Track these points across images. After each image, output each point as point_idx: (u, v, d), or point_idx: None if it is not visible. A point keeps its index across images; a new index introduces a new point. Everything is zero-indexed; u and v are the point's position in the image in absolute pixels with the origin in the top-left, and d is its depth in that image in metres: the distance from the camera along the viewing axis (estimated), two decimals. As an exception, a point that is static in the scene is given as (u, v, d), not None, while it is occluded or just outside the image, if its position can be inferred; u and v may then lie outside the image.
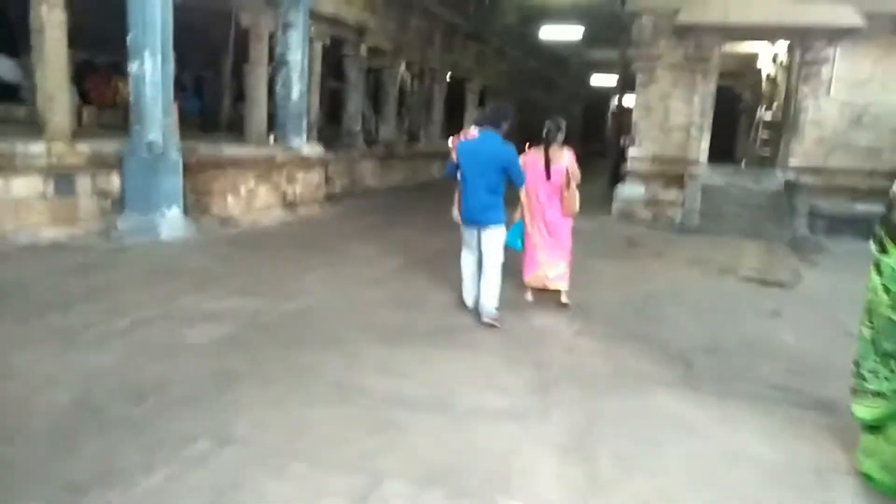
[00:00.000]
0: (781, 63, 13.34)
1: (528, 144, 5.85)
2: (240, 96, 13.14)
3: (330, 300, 5.61)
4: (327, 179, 11.55)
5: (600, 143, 32.48)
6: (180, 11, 7.72)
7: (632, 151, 12.75)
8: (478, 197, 5.10)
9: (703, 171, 12.21)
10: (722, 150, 13.66)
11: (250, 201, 9.37)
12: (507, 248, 5.35)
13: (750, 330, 5.52)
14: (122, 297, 5.20)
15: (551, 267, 5.81)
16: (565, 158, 5.65)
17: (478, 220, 5.18)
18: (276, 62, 10.45)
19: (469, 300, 5.47)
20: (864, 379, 3.06)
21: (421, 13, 16.38)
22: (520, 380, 4.03)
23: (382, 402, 3.56)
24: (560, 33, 21.67)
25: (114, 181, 7.59)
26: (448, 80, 19.12)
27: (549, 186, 5.66)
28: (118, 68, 9.24)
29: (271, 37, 10.86)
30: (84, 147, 7.34)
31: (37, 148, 6.86)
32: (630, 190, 12.61)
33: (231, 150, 9.21)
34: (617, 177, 14.35)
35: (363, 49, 14.16)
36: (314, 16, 11.15)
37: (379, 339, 4.63)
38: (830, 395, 3.97)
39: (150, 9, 7.33)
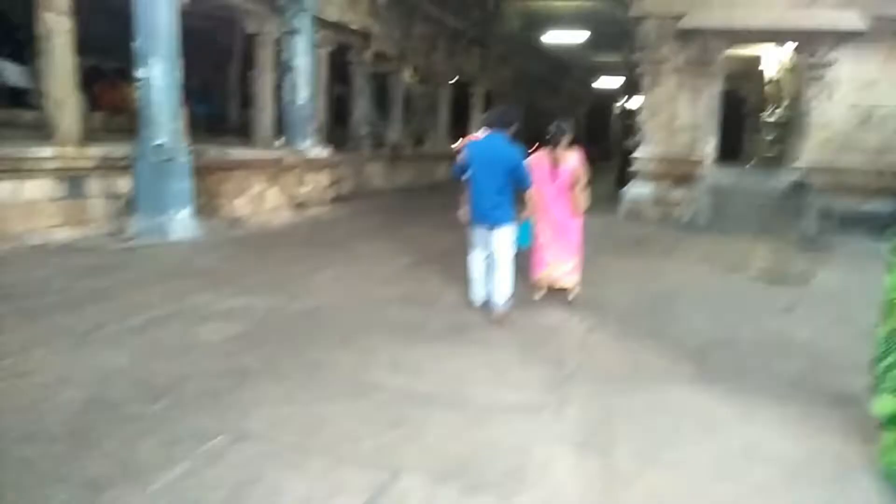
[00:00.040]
0: (787, 65, 13.30)
1: (535, 146, 5.87)
2: (246, 101, 13.19)
3: (341, 298, 5.60)
4: (335, 181, 11.56)
5: (605, 144, 32.49)
6: (187, 18, 7.76)
7: (638, 152, 12.74)
8: (487, 197, 5.13)
9: (711, 170, 12.19)
10: (728, 152, 13.61)
11: (259, 203, 9.39)
12: (516, 247, 5.36)
13: (763, 326, 5.49)
14: (135, 296, 5.21)
15: (560, 265, 5.83)
16: (571, 160, 5.67)
17: (488, 220, 5.20)
18: (282, 68, 10.49)
19: (479, 299, 5.48)
20: (882, 375, 3.03)
21: (425, 19, 16.41)
22: (534, 376, 4.01)
23: (397, 398, 3.56)
24: (564, 38, 21.66)
25: (124, 184, 7.63)
26: (453, 84, 19.15)
27: (556, 187, 5.68)
28: (126, 74, 9.27)
29: (277, 43, 10.90)
30: (94, 151, 7.38)
31: (47, 152, 6.90)
32: (637, 190, 12.58)
33: (239, 153, 9.25)
34: (623, 177, 14.34)
35: (368, 54, 14.19)
36: (319, 22, 11.18)
37: (391, 336, 4.63)
38: (847, 390, 3.94)
39: (157, 15, 7.37)
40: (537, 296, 5.91)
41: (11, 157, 6.58)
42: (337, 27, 12.60)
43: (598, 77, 32.02)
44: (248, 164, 9.20)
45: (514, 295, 5.38)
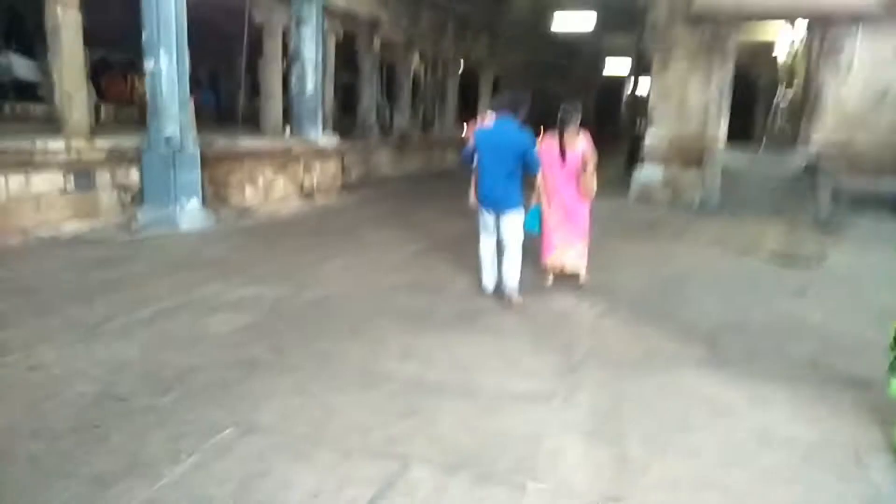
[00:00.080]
0: (799, 46, 13.10)
1: (543, 130, 5.81)
2: (255, 90, 13.16)
3: (350, 287, 5.59)
4: (343, 169, 11.54)
5: (614, 127, 32.23)
6: (194, 8, 7.72)
7: (649, 135, 12.61)
8: (496, 182, 5.12)
9: (723, 151, 12.05)
10: (740, 133, 13.47)
11: (268, 192, 9.39)
12: (525, 233, 5.35)
13: (776, 308, 5.44)
14: (144, 288, 5.21)
15: (569, 249, 5.81)
16: (581, 143, 5.61)
17: (497, 205, 5.20)
18: (291, 57, 10.45)
19: (489, 285, 5.46)
20: (901, 355, 2.99)
21: (432, 5, 16.28)
22: (544, 363, 3.99)
23: (407, 387, 3.54)
24: (573, 23, 21.43)
25: (133, 175, 7.64)
26: (461, 70, 19.02)
27: (565, 171, 5.63)
28: (134, 66, 9.27)
29: (285, 32, 10.86)
30: (103, 143, 7.39)
31: (57, 144, 6.91)
32: (648, 172, 12.47)
33: (248, 142, 9.24)
34: (633, 160, 14.21)
35: (376, 42, 14.12)
36: (327, 10, 11.12)
37: (401, 324, 4.61)
38: (862, 373, 3.91)
39: (164, 6, 7.34)
40: (547, 281, 5.88)
41: (21, 150, 6.59)
42: (345, 15, 12.53)
43: (608, 60, 31.73)
44: (257, 153, 9.19)
45: (524, 281, 5.36)
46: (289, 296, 5.20)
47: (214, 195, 8.25)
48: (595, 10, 19.92)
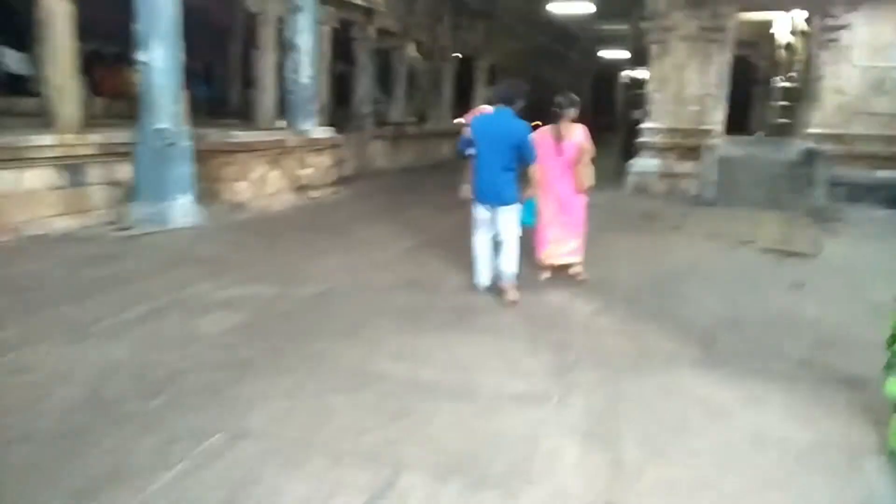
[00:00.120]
0: (800, 30, 13.01)
1: (538, 123, 5.76)
2: (248, 82, 13.05)
3: (344, 285, 5.54)
4: (338, 162, 11.46)
5: (610, 116, 32.12)
6: (187, -2, 7.63)
7: (646, 124, 12.56)
8: (492, 174, 5.07)
9: (720, 141, 12.00)
10: (736, 121, 13.40)
11: (262, 186, 9.31)
12: (521, 226, 5.33)
13: (772, 303, 5.41)
14: (135, 286, 5.16)
15: (563, 243, 5.77)
16: (577, 134, 5.56)
17: (493, 199, 5.15)
18: (285, 46, 10.33)
19: (484, 282, 5.42)
20: (898, 355, 2.95)
21: (428, -8, 16.19)
22: (540, 362, 3.95)
23: (401, 388, 3.50)
24: (570, 7, 21.26)
25: (125, 170, 7.55)
26: (457, 58, 18.90)
27: (561, 162, 5.58)
28: (126, 58, 9.15)
29: (279, 21, 10.74)
30: (94, 137, 7.29)
31: (47, 139, 6.82)
32: (644, 163, 12.43)
33: (241, 135, 9.14)
34: (629, 150, 14.14)
35: (372, 31, 14.00)
36: (322, -2, 11.01)
37: (396, 323, 4.57)
38: (857, 371, 3.89)
39: (158, -3, 7.24)
40: (543, 276, 5.84)
41: (11, 146, 6.49)
42: (340, 3, 12.40)
43: (604, 48, 31.57)
44: (250, 146, 9.10)
45: (519, 276, 5.33)
46: (282, 294, 5.16)
47: (207, 190, 8.17)
48: (591, -2, 19.72)
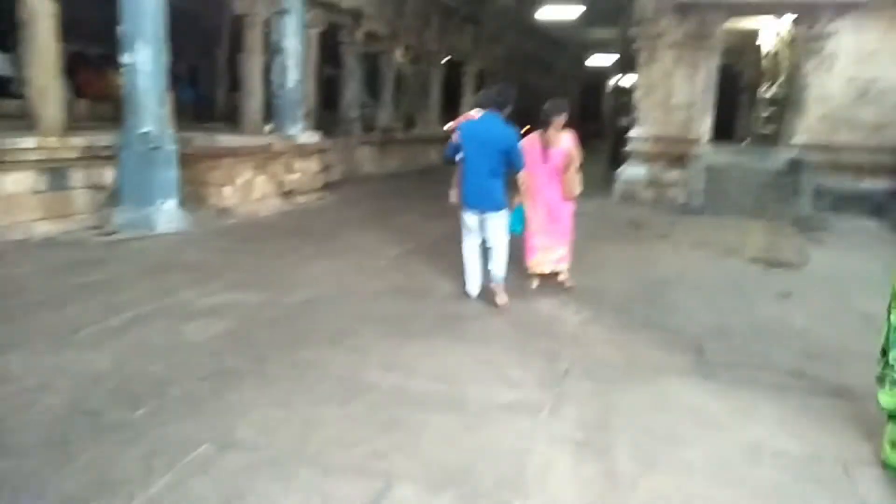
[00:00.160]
0: (784, 38, 13.12)
1: (528, 127, 5.75)
2: (234, 85, 12.96)
3: (332, 292, 5.48)
4: (325, 167, 11.39)
5: (598, 123, 32.29)
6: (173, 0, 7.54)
7: (633, 132, 12.59)
8: (481, 180, 5.05)
9: (706, 150, 12.06)
10: (722, 129, 13.48)
11: (247, 191, 9.22)
12: (509, 234, 5.33)
13: (761, 313, 5.41)
14: (118, 293, 5.07)
15: (551, 251, 5.76)
16: (564, 141, 5.54)
17: (482, 205, 5.13)
18: (272, 50, 10.26)
19: (474, 290, 5.38)
20: (892, 367, 2.94)
21: (417, -4, 16.18)
22: (530, 372, 3.91)
23: (390, 399, 3.45)
24: (558, 14, 21.36)
25: (109, 174, 7.46)
26: (445, 63, 18.89)
27: (547, 169, 5.56)
28: (111, 60, 9.05)
29: (266, 24, 10.67)
30: (77, 140, 7.19)
31: (29, 142, 6.71)
32: (632, 171, 12.47)
33: (227, 140, 9.06)
34: (616, 158, 14.18)
35: (359, 34, 13.95)
36: (310, 2, 10.96)
37: (384, 331, 4.51)
38: (848, 382, 3.89)
39: (143, -3, 7.16)
40: (533, 285, 5.81)
41: (-8, 149, 6.40)
42: (327, 6, 12.36)
43: (591, 54, 31.75)
44: (236, 151, 9.02)
45: (509, 286, 5.33)
46: (268, 301, 5.09)
47: (192, 195, 8.09)
48: (580, 2, 19.82)
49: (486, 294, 5.34)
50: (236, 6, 10.74)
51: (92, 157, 7.30)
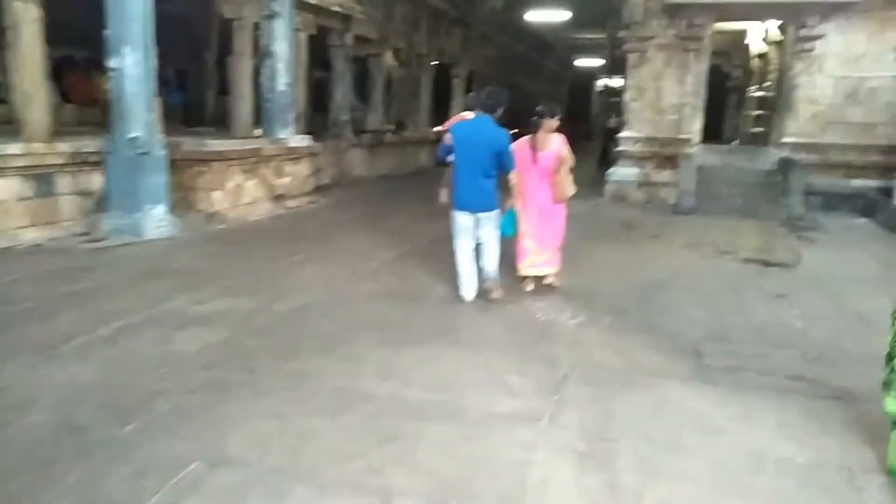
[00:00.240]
0: (773, 40, 13.15)
1: (517, 130, 5.72)
2: (224, 89, 12.84)
3: (325, 297, 5.40)
4: (315, 171, 11.30)
5: (587, 124, 32.36)
6: (161, 3, 7.44)
7: (624, 133, 12.58)
8: (473, 181, 5.08)
9: (697, 150, 12.06)
10: (710, 130, 13.50)
11: (238, 196, 9.12)
12: (500, 236, 5.34)
13: (757, 315, 5.37)
14: (106, 301, 4.97)
15: (541, 253, 5.72)
16: (554, 144, 5.51)
17: (473, 206, 5.16)
18: (262, 53, 10.17)
19: (469, 294, 5.33)
20: (897, 373, 2.89)
21: (407, -1, 16.12)
22: (529, 379, 3.84)
23: (386, 409, 3.37)
24: (546, 16, 21.35)
25: (96, 180, 7.35)
26: (434, 66, 18.83)
27: (537, 171, 5.53)
28: (98, 64, 8.93)
29: (256, 27, 10.58)
30: (64, 146, 7.08)
31: (14, 148, 6.60)
32: (622, 172, 12.45)
33: (216, 144, 8.94)
34: (606, 158, 14.17)
35: (349, 38, 13.87)
36: (299, 5, 10.86)
37: (378, 338, 4.43)
38: (848, 385, 3.85)
39: (130, 1, 7.05)
40: (527, 288, 5.75)
41: (-25, 155, 6.28)
42: (317, 9, 12.26)
43: (580, 56, 31.80)
44: (226, 155, 8.90)
45: (502, 286, 5.29)
46: (260, 308, 5.00)
47: (182, 200, 7.98)
48: (568, 5, 19.81)
49: (481, 296, 5.31)
50: (225, 10, 10.63)
51: (79, 162, 7.19)
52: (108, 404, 3.29)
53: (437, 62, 18.93)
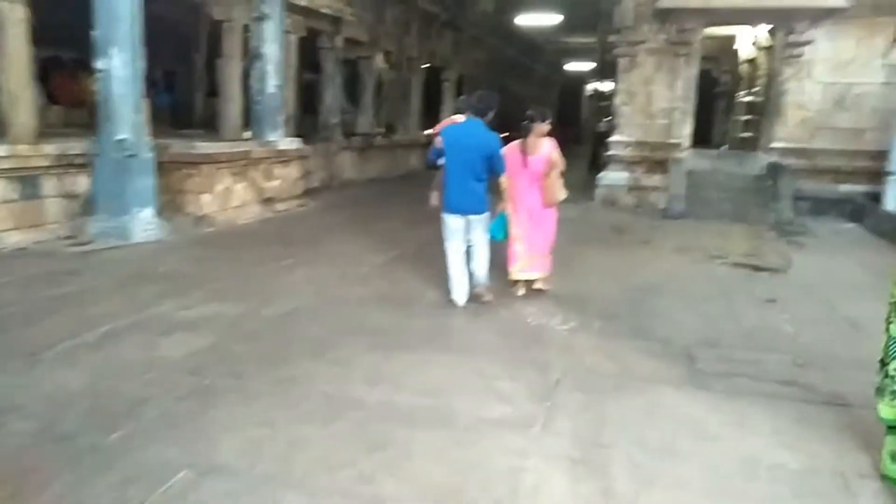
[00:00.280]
0: (762, 45, 13.21)
1: (508, 134, 5.71)
2: (213, 91, 12.76)
3: (314, 302, 5.35)
4: (305, 173, 11.24)
5: (576, 128, 32.45)
6: (150, 3, 7.38)
7: (614, 137, 12.61)
8: (464, 184, 5.08)
9: (687, 155, 12.10)
10: (699, 134, 13.55)
11: (226, 199, 9.04)
12: (491, 240, 5.35)
13: (748, 320, 5.37)
14: (93, 306, 4.90)
15: (533, 257, 5.71)
16: (545, 148, 5.50)
17: (464, 209, 5.16)
18: (251, 55, 10.11)
19: (460, 298, 5.30)
20: (892, 378, 2.88)
21: (397, 2, 16.07)
22: (520, 384, 3.81)
23: (377, 416, 3.33)
24: (537, 20, 21.41)
25: (82, 183, 7.27)
26: (425, 69, 18.81)
27: (527, 175, 5.51)
28: (85, 65, 8.85)
29: (245, 29, 10.52)
30: (50, 148, 7.00)
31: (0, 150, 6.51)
32: (613, 176, 12.47)
33: (205, 146, 8.87)
34: (596, 162, 14.18)
35: (339, 40, 13.82)
36: (289, 7, 10.81)
37: (369, 343, 4.39)
38: (840, 389, 3.85)
39: (118, 2, 6.98)
40: (518, 292, 5.73)
41: (-41, 157, 6.20)
42: (307, 12, 12.21)
43: (570, 60, 31.89)
44: (215, 157, 8.83)
45: (495, 294, 5.25)
46: (249, 313, 4.95)
47: (169, 203, 7.91)
48: (559, 9, 19.87)
49: (472, 300, 5.30)
50: (215, 12, 10.57)
51: (65, 164, 7.11)
52: (94, 411, 3.23)
53: (427, 65, 18.91)
